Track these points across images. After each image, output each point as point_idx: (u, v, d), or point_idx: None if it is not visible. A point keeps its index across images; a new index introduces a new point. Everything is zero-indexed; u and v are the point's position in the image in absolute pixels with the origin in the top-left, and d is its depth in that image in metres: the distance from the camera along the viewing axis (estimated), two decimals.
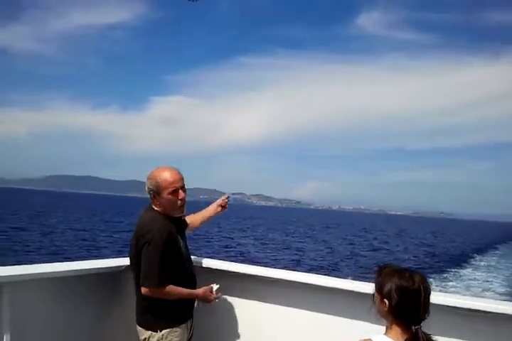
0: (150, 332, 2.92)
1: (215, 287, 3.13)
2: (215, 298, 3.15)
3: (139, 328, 2.99)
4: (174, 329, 2.94)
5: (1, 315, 2.57)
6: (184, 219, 3.29)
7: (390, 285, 1.90)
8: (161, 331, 2.91)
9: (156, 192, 2.94)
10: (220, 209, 3.58)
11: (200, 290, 3.08)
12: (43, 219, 45.39)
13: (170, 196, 2.95)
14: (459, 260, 30.72)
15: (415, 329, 1.85)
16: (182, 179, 3.01)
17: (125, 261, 3.16)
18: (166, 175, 2.95)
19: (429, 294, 1.89)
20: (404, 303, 1.87)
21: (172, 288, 2.92)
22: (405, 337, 1.87)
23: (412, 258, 31.37)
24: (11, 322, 2.59)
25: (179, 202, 3.00)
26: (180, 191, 2.99)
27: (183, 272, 3.04)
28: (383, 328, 2.89)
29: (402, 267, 2.00)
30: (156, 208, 3.00)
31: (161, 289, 2.87)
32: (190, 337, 3.13)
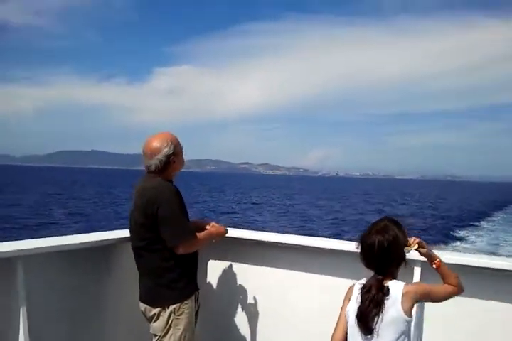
0: (158, 308, 2.88)
1: (211, 223, 3.21)
2: (226, 229, 3.23)
3: (143, 305, 2.95)
4: (185, 302, 2.90)
5: (17, 287, 2.65)
6: None
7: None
8: (172, 306, 2.87)
9: (176, 155, 2.95)
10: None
11: (211, 228, 3.15)
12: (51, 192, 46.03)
13: (183, 157, 3.03)
14: (465, 221, 31.26)
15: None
16: None
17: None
18: (177, 138, 3.01)
19: (363, 245, 2.16)
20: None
21: (199, 235, 2.97)
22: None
23: (418, 220, 31.38)
24: (26, 293, 2.67)
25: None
26: None
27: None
28: None
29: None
30: (159, 177, 2.94)
31: (195, 240, 2.91)
32: (198, 307, 3.10)
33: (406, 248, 2.13)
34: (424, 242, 2.20)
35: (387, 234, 2.10)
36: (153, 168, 2.90)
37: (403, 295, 2.04)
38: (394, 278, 2.14)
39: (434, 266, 2.21)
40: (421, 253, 2.22)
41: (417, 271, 2.83)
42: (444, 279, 2.19)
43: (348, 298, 2.19)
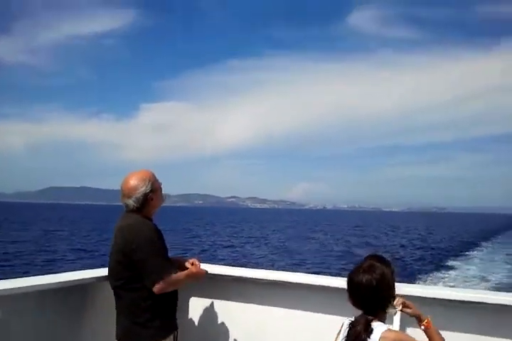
0: None
1: (191, 261, 3.16)
2: (206, 270, 3.18)
3: None
4: None
5: None
6: None
7: None
8: None
9: (154, 192, 2.93)
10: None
11: (191, 268, 3.07)
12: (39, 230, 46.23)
13: (162, 193, 3.04)
14: (455, 251, 32.08)
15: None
16: None
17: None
18: (154, 175, 3.00)
19: (351, 284, 2.16)
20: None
21: (178, 275, 2.90)
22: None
23: (407, 252, 32.13)
24: (4, 334, 2.63)
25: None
26: None
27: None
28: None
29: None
30: (137, 215, 2.94)
31: (174, 279, 2.86)
32: None
33: (389, 310, 2.14)
34: (408, 302, 2.20)
35: (374, 273, 2.10)
36: (131, 206, 2.91)
37: (380, 339, 2.02)
38: (381, 320, 2.13)
39: (423, 327, 2.17)
40: (407, 314, 2.23)
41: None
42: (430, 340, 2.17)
43: (339, 333, 2.22)
